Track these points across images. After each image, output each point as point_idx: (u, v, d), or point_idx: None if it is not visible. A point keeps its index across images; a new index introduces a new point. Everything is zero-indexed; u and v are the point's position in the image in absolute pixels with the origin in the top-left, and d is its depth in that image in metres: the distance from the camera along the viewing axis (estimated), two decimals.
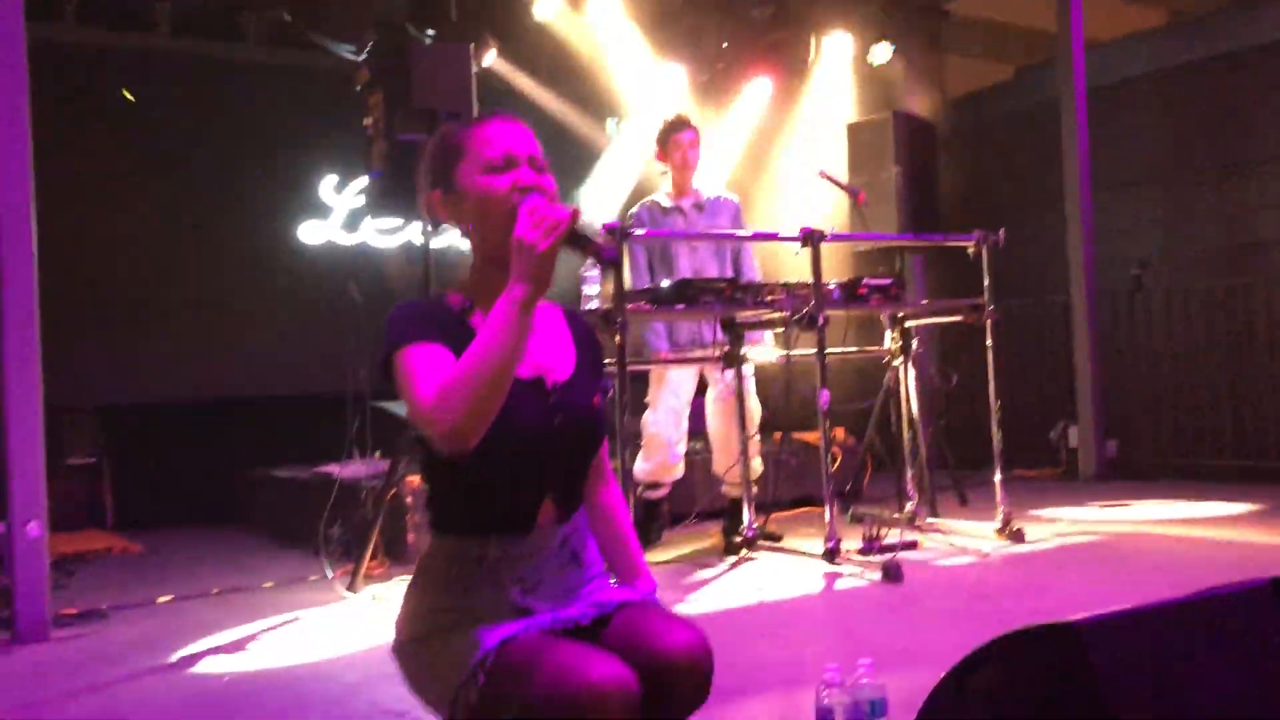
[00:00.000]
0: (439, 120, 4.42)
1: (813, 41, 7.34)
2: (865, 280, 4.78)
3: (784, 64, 7.38)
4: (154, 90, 6.43)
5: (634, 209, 5.25)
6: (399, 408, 5.71)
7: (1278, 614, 1.59)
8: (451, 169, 1.76)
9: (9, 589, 3.80)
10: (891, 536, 4.61)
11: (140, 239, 6.57)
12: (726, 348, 4.83)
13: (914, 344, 5.38)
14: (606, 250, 1.65)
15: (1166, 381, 7.29)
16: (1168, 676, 1.46)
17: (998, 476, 4.93)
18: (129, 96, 6.23)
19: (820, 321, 4.43)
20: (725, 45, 6.87)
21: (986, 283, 4.96)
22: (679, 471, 5.15)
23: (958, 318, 5.22)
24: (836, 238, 4.74)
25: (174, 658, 3.53)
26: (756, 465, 5.09)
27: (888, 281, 4.86)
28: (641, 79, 7.39)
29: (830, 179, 5.27)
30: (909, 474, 5.35)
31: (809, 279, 4.48)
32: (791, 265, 4.75)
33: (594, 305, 4.38)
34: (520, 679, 1.55)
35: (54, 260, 4.10)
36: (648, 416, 5.09)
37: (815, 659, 3.05)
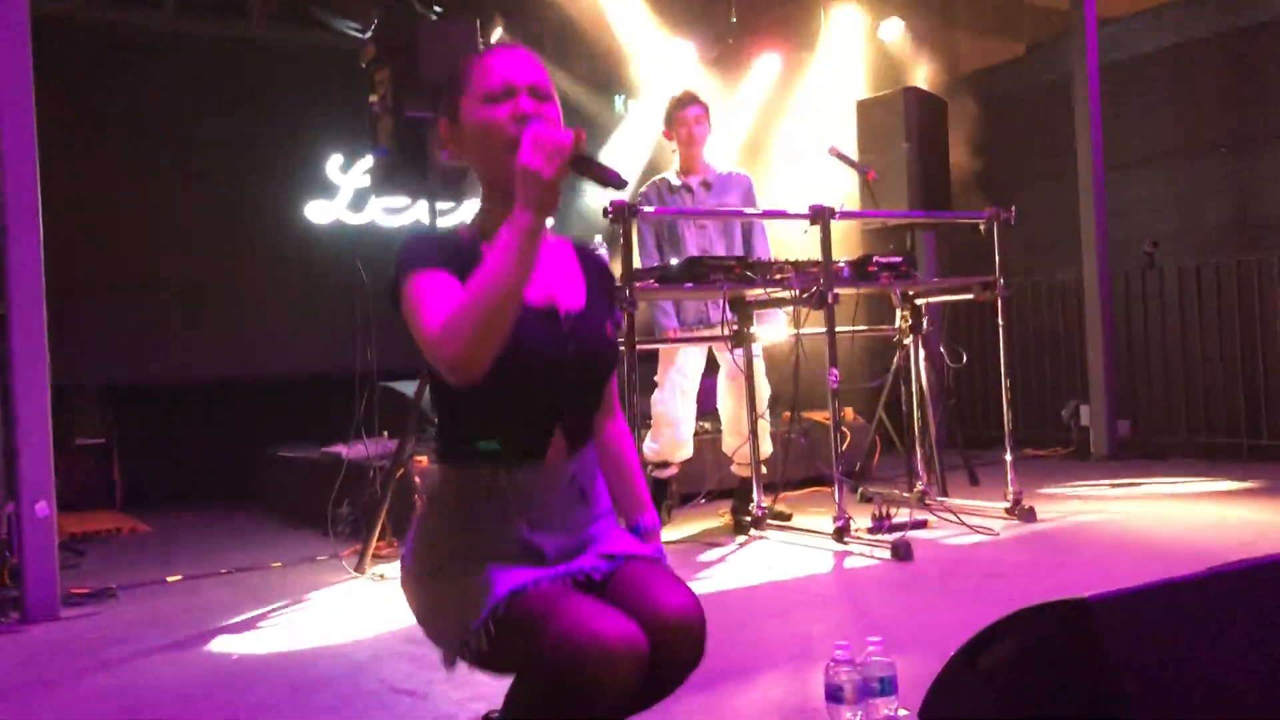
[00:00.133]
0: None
1: (822, 16, 7.28)
2: (875, 258, 4.74)
3: (793, 39, 7.32)
4: (160, 68, 6.41)
5: (643, 188, 5.22)
6: (407, 387, 5.71)
7: None
8: (456, 101, 1.76)
9: (19, 568, 3.81)
10: (901, 515, 4.59)
11: (147, 219, 6.57)
12: (735, 326, 4.81)
13: (924, 322, 5.35)
14: (611, 173, 1.62)
15: (1179, 360, 7.24)
16: (1178, 653, 1.45)
17: (1008, 455, 4.91)
18: None
19: (830, 300, 4.41)
20: (734, 20, 6.81)
21: (998, 260, 4.92)
22: (688, 451, 5.14)
23: (968, 296, 5.18)
24: (846, 215, 4.70)
25: (184, 637, 3.54)
26: (766, 445, 5.07)
27: (898, 259, 4.82)
28: (650, 56, 7.34)
29: (840, 156, 5.23)
30: (919, 453, 5.33)
31: (818, 257, 4.45)
32: (800, 243, 4.71)
33: None
34: (531, 632, 1.55)
35: (61, 240, 4.10)
36: (656, 395, 5.08)
37: (825, 637, 3.04)
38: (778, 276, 4.48)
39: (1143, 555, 4.07)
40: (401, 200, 7.15)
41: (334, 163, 7.06)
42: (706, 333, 5.04)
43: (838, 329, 4.50)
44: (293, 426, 6.45)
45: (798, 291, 4.47)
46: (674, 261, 4.56)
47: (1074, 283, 7.55)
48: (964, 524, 4.64)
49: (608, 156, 7.50)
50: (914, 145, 5.29)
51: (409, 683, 2.91)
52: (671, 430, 5.02)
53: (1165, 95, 7.84)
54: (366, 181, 7.08)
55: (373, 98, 4.75)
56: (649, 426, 5.09)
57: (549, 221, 1.60)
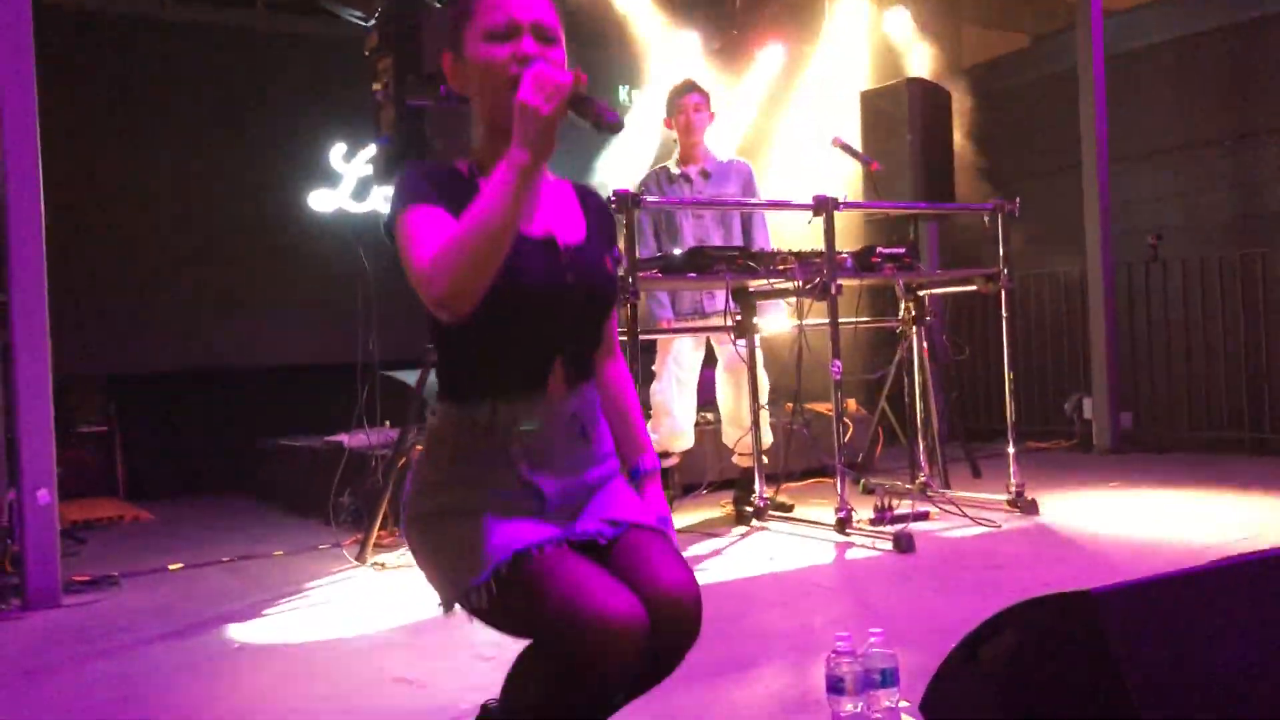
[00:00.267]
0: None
1: (827, 7, 7.25)
2: (878, 249, 4.73)
3: (797, 29, 7.29)
4: (163, 56, 6.40)
5: (642, 177, 5.22)
6: (409, 376, 5.71)
7: None
8: (459, 32, 1.75)
9: (20, 555, 3.82)
10: (903, 507, 4.59)
11: (150, 207, 6.56)
12: (738, 317, 4.80)
13: (927, 314, 5.34)
14: (608, 115, 1.60)
15: (1181, 353, 7.23)
16: (1182, 645, 1.44)
17: (1011, 448, 4.90)
18: None
19: (833, 291, 4.40)
20: (739, 8, 6.78)
21: (1001, 252, 4.91)
22: (688, 441, 5.13)
23: (972, 288, 5.17)
24: (849, 206, 4.69)
25: (185, 625, 3.54)
26: (766, 436, 5.07)
27: (901, 250, 4.81)
28: (655, 45, 7.32)
29: (844, 146, 5.21)
30: (921, 445, 5.32)
31: (821, 247, 4.44)
32: (803, 233, 4.70)
33: None
34: (533, 597, 1.55)
35: (64, 228, 4.10)
36: (654, 386, 5.07)
37: (826, 628, 3.04)
38: (780, 267, 4.47)
39: (1144, 549, 4.06)
40: None
41: (337, 151, 7.04)
42: (701, 323, 5.03)
43: (840, 320, 4.50)
44: (295, 415, 6.45)
45: (801, 282, 4.46)
46: (675, 251, 4.55)
47: (1077, 275, 7.53)
48: (966, 516, 4.63)
49: (616, 146, 7.45)
50: (917, 136, 5.27)
51: (409, 672, 2.91)
52: (670, 420, 5.01)
53: (1170, 88, 7.80)
54: (369, 170, 7.06)
55: (376, 86, 4.74)
56: (649, 417, 5.09)
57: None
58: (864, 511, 4.55)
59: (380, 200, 7.11)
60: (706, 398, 5.31)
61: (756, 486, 4.93)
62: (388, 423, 5.60)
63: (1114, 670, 1.35)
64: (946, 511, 4.78)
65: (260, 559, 4.61)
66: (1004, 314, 4.97)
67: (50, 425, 3.84)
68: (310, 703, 2.75)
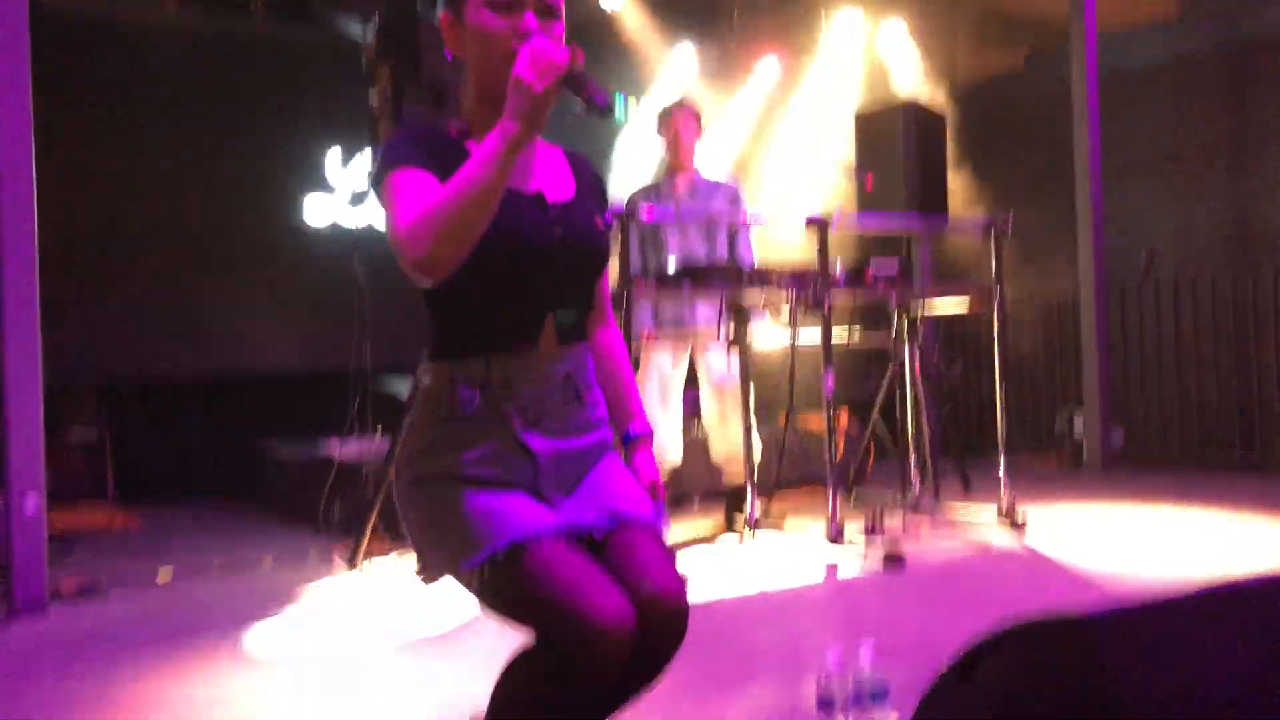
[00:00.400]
0: (448, 97, 4.38)
1: (823, 22, 7.28)
2: (871, 265, 4.74)
3: (794, 43, 7.32)
4: (160, 63, 6.39)
5: (631, 194, 5.21)
6: (401, 386, 5.71)
7: None
8: None
9: (6, 563, 3.79)
10: (894, 522, 4.59)
11: (143, 213, 6.53)
12: (720, 330, 4.79)
13: (920, 330, 5.35)
14: (600, 96, 1.61)
15: (1173, 370, 7.25)
16: (1179, 670, 1.44)
17: (1002, 464, 4.90)
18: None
19: (826, 306, 4.40)
20: (736, 22, 6.81)
21: (994, 269, 4.92)
22: (675, 455, 5.09)
23: (964, 304, 5.18)
24: (843, 222, 4.69)
25: (172, 633, 3.52)
26: (754, 449, 5.04)
27: (894, 267, 4.82)
28: (653, 57, 7.34)
29: (853, 170, 5.21)
30: (912, 460, 5.32)
31: (814, 262, 4.45)
32: (797, 248, 4.71)
33: None
34: (526, 588, 1.56)
35: (56, 233, 4.08)
36: None
37: (817, 645, 3.03)
38: (774, 282, 4.48)
39: (1133, 568, 4.06)
40: None
41: (333, 160, 7.05)
42: (690, 333, 5.01)
43: (833, 335, 4.50)
44: (287, 424, 6.43)
45: (794, 297, 4.46)
46: (667, 263, 4.55)
47: (1070, 292, 7.55)
48: (956, 532, 4.63)
49: (617, 157, 7.44)
50: (912, 159, 5.28)
51: (397, 680, 2.90)
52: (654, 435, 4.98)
53: (1163, 107, 7.84)
54: (365, 180, 7.07)
55: (373, 95, 4.75)
56: None
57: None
58: (855, 526, 4.55)
59: (376, 210, 7.11)
60: (694, 410, 5.29)
61: (748, 500, 4.93)
62: (379, 431, 5.60)
63: (1110, 695, 1.34)
64: (937, 527, 4.78)
65: (250, 567, 4.59)
66: (996, 330, 4.98)
67: (39, 432, 3.82)
68: (298, 713, 2.74)
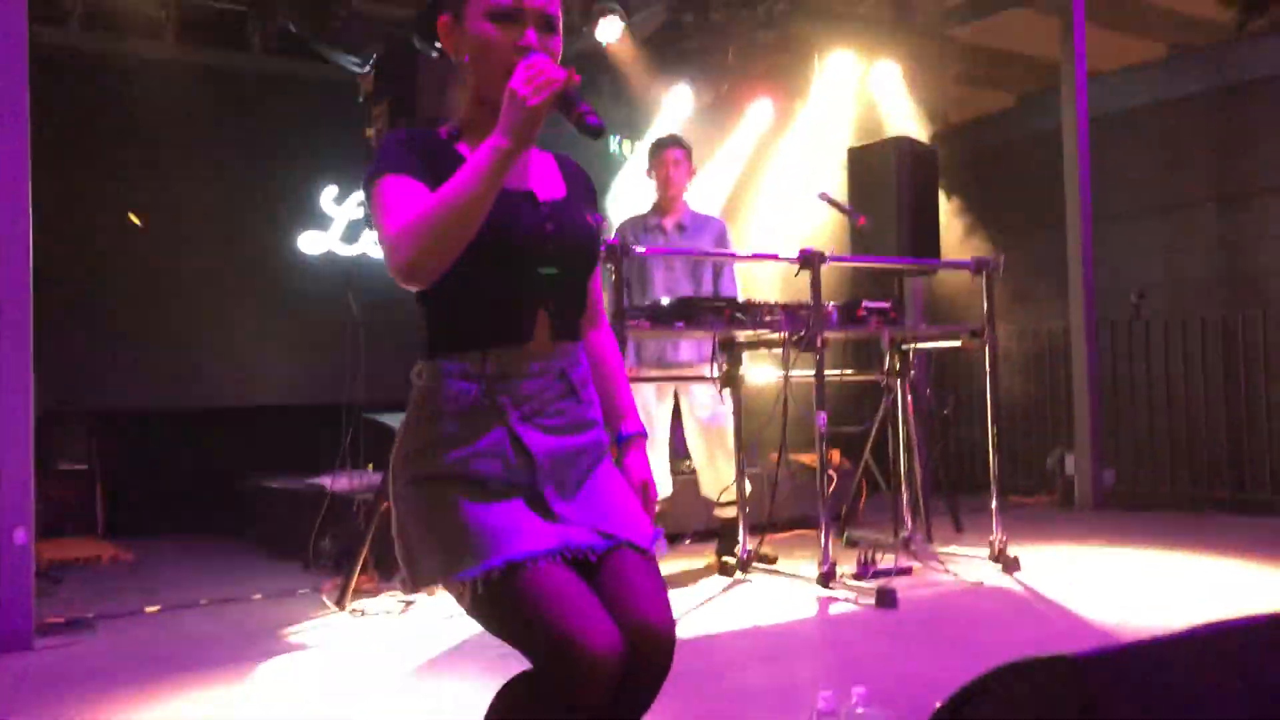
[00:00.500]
0: None
1: (816, 64, 7.35)
2: (864, 303, 4.76)
3: (787, 85, 7.39)
4: (156, 96, 6.41)
5: (618, 225, 5.24)
6: (393, 419, 5.69)
7: None
8: (463, 1, 1.76)
9: None
10: (886, 561, 4.59)
11: (137, 244, 6.54)
12: (712, 367, 4.80)
13: (911, 368, 5.36)
14: (591, 119, 1.64)
15: (1164, 410, 7.27)
16: (1169, 710, 1.43)
17: (994, 503, 4.90)
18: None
19: (819, 344, 4.42)
20: (730, 64, 6.87)
21: (986, 308, 4.95)
22: (664, 490, 5.08)
23: (956, 343, 5.21)
24: (836, 260, 4.72)
25: (159, 670, 3.49)
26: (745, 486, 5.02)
27: (886, 305, 4.84)
28: (649, 99, 7.41)
29: (830, 201, 5.26)
30: (904, 498, 5.32)
31: (807, 299, 4.47)
32: (789, 285, 4.73)
33: None
34: (519, 609, 1.57)
35: (50, 265, 4.09)
36: None
37: (809, 684, 3.02)
38: (767, 319, 4.49)
39: (1124, 609, 4.06)
40: None
41: (328, 194, 7.07)
42: (676, 372, 5.00)
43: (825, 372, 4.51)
44: (278, 457, 6.41)
45: (787, 334, 4.48)
46: (647, 300, 4.57)
47: (1061, 331, 7.59)
48: (948, 572, 4.62)
49: (614, 196, 7.47)
50: (904, 194, 5.32)
51: (387, 717, 2.88)
52: None
53: (1153, 149, 7.93)
54: (360, 213, 7.09)
55: (369, 131, 4.77)
56: None
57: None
58: (847, 565, 4.55)
59: (370, 244, 7.14)
60: (681, 447, 5.28)
61: (740, 538, 4.92)
62: (371, 465, 5.58)
63: None
64: (929, 567, 4.77)
65: (238, 602, 4.55)
66: (988, 369, 5.00)
67: (30, 463, 3.80)
68: None
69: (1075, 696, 1.35)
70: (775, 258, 4.74)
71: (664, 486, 5.09)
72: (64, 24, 5.76)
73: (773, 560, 5.01)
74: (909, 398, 5.35)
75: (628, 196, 7.28)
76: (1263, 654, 1.57)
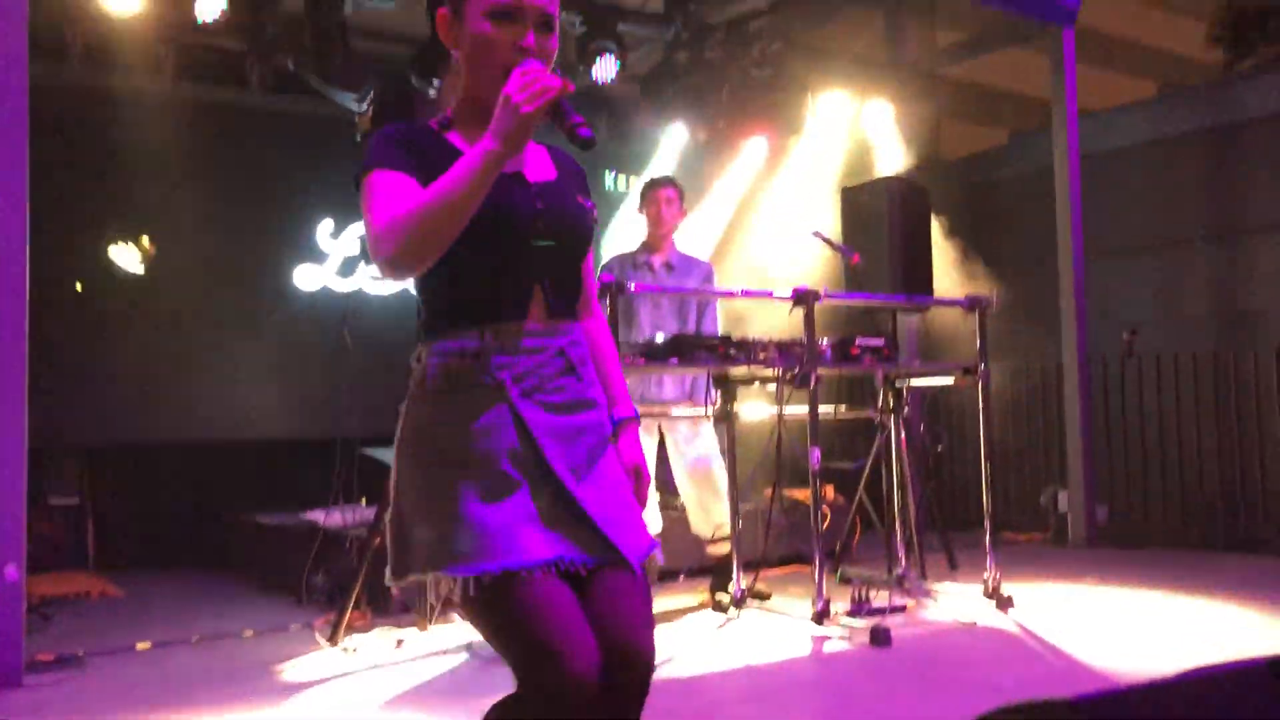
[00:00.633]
0: None
1: (809, 102, 7.42)
2: (858, 340, 4.78)
3: (781, 124, 7.44)
4: (154, 132, 6.44)
5: (607, 260, 5.26)
6: (388, 454, 5.69)
7: (1275, 696, 1.57)
8: None
9: None
10: (880, 599, 4.58)
11: (131, 279, 6.54)
12: (707, 405, 4.80)
13: (905, 405, 5.38)
14: (582, 130, 1.66)
15: (1156, 448, 7.28)
16: None
17: (988, 541, 4.90)
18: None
19: (813, 381, 4.43)
20: (724, 102, 6.92)
21: (979, 346, 4.97)
22: (654, 526, 5.07)
23: (950, 380, 5.22)
24: (830, 297, 4.75)
25: (148, 709, 3.46)
26: (727, 520, 5.00)
27: (880, 342, 4.86)
28: (645, 138, 7.47)
29: (824, 239, 5.29)
30: (898, 535, 5.32)
31: (800, 336, 4.49)
32: (784, 323, 4.74)
33: None
34: (508, 621, 1.60)
35: (42, 299, 4.08)
36: None
37: None
38: (761, 356, 4.51)
39: (1122, 648, 4.05)
40: None
41: (325, 229, 7.09)
42: (657, 409, 5.00)
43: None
44: (271, 491, 6.39)
45: (781, 371, 4.49)
46: (638, 336, 4.58)
47: (1054, 368, 7.61)
48: (942, 610, 4.61)
49: (612, 233, 7.50)
50: (897, 232, 5.35)
51: None
52: None
53: (1145, 187, 8.00)
54: (356, 249, 7.11)
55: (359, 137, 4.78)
56: None
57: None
58: (841, 603, 4.54)
59: (366, 279, 7.16)
60: (670, 485, 5.27)
61: (734, 575, 4.90)
62: (364, 501, 5.57)
63: None
64: (923, 604, 4.76)
65: (229, 639, 4.53)
66: (981, 406, 5.01)
67: (22, 499, 3.79)
68: None
69: None
70: (770, 295, 4.76)
71: (653, 524, 5.07)
72: (63, 60, 5.79)
73: (766, 597, 5.00)
74: (903, 434, 5.36)
75: (624, 232, 7.32)
76: (1258, 699, 1.57)
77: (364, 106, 5.53)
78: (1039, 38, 7.48)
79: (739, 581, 4.88)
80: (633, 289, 4.57)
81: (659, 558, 1.83)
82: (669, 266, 5.15)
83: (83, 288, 6.32)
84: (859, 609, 4.49)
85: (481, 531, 1.63)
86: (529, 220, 1.75)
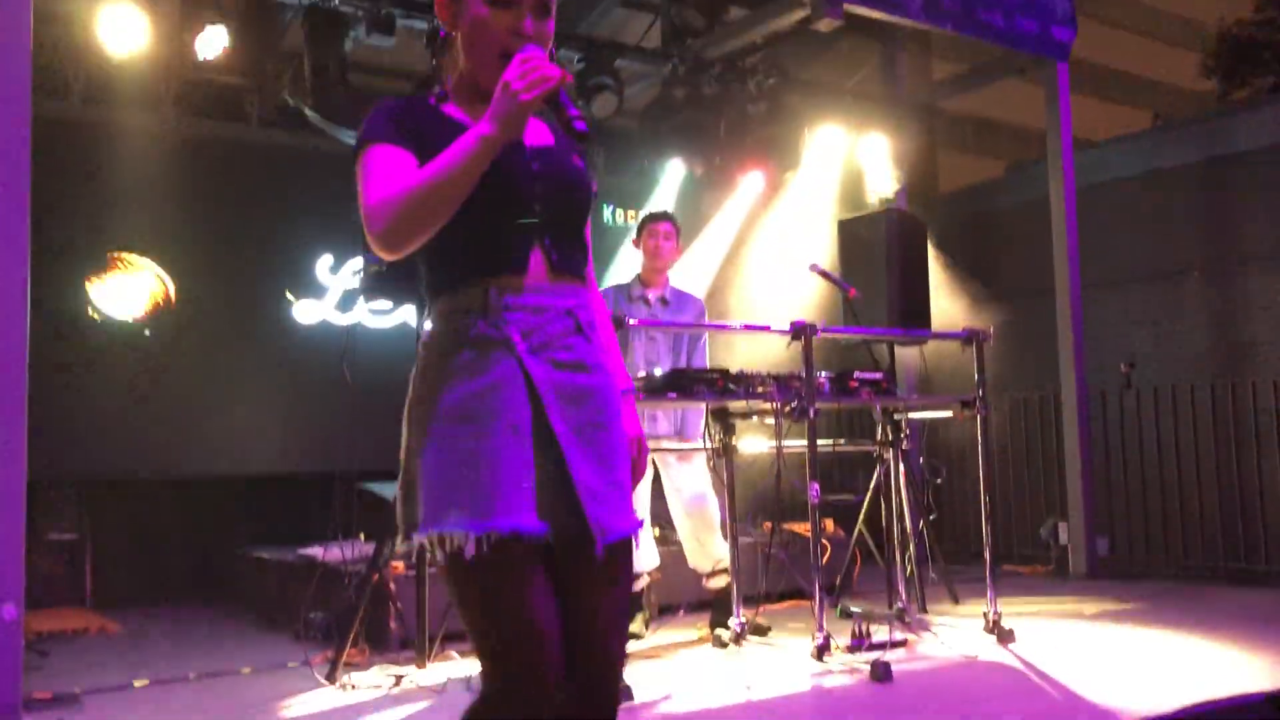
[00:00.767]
0: None
1: (806, 136, 7.47)
2: (856, 373, 4.79)
3: (777, 158, 7.49)
4: (154, 166, 6.46)
5: (602, 289, 5.27)
6: (386, 489, 5.66)
7: None
8: None
9: None
10: (881, 634, 4.56)
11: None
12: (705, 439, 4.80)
13: (904, 438, 5.38)
14: (579, 122, 1.67)
15: (1156, 479, 7.28)
16: None
17: (988, 573, 4.89)
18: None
19: (812, 415, 4.44)
20: (721, 137, 6.97)
21: (977, 378, 4.98)
22: (652, 559, 5.04)
23: (948, 413, 5.23)
24: (828, 331, 4.76)
25: None
26: (722, 553, 4.99)
27: (878, 375, 4.87)
28: (642, 170, 7.51)
29: (822, 273, 5.31)
30: (898, 569, 5.30)
31: (798, 369, 4.49)
32: (781, 356, 4.76)
33: None
34: (489, 610, 1.62)
35: (41, 332, 4.08)
36: None
37: None
38: (759, 389, 4.51)
39: (1123, 684, 4.03)
40: (388, 304, 7.21)
41: (324, 263, 7.11)
42: (650, 445, 4.99)
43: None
44: (269, 527, 6.37)
45: (779, 404, 4.50)
46: (639, 370, 4.60)
47: (1052, 400, 7.62)
48: (943, 644, 4.59)
49: (615, 268, 7.52)
50: (894, 264, 5.38)
51: None
52: None
53: (1142, 219, 8.04)
54: (355, 283, 7.12)
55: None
56: None
57: None
58: (842, 638, 4.52)
59: (365, 313, 7.17)
60: (666, 520, 5.25)
61: (733, 610, 4.88)
62: (363, 536, 5.55)
63: None
64: (924, 639, 4.74)
65: (227, 676, 4.50)
66: (980, 439, 5.01)
67: (21, 536, 3.77)
68: None
69: None
70: (768, 329, 4.78)
71: (650, 559, 5.07)
72: (65, 97, 5.84)
73: (766, 631, 4.98)
74: (902, 467, 5.36)
75: (622, 266, 7.34)
76: None
77: None
78: (1034, 70, 7.54)
79: (739, 616, 4.86)
80: (633, 324, 4.58)
81: (638, 542, 1.81)
82: (664, 301, 5.17)
83: (82, 321, 6.33)
84: (859, 644, 4.47)
85: (488, 491, 1.63)
86: (526, 183, 1.76)
